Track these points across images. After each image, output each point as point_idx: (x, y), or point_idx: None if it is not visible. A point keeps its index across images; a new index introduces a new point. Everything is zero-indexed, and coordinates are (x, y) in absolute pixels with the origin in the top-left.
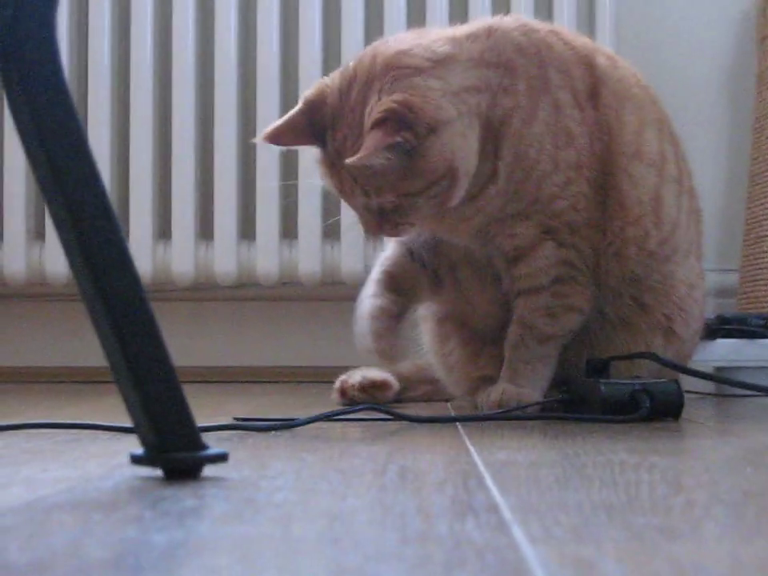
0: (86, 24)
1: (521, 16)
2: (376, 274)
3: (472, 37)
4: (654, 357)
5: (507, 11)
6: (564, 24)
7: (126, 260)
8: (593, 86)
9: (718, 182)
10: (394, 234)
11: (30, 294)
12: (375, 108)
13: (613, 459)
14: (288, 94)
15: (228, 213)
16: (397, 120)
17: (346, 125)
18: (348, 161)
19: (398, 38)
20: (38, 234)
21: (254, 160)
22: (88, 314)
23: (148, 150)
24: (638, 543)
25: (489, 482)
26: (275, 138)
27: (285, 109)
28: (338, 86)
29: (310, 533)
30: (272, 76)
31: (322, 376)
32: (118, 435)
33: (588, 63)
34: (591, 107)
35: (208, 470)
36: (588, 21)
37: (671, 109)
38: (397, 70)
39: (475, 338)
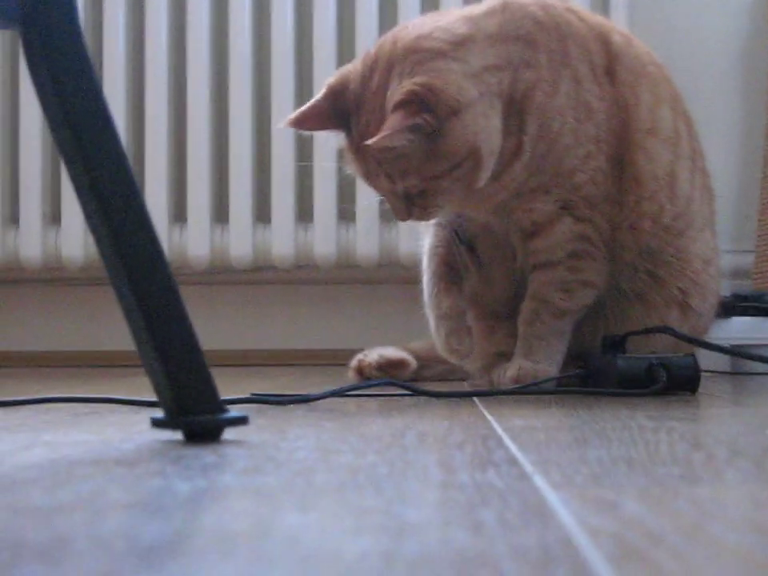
0: (101, 6)
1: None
2: (433, 264)
3: (489, 13)
4: (670, 331)
5: None
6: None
7: (146, 226)
8: (609, 62)
9: (732, 163)
10: (423, 218)
11: (46, 279)
12: (397, 91)
13: (631, 424)
14: (302, 77)
15: (243, 196)
16: (418, 102)
17: (368, 110)
18: (368, 141)
19: (417, 23)
20: (54, 219)
21: (269, 143)
22: (109, 279)
23: (163, 133)
24: (659, 488)
25: (508, 442)
26: (299, 123)
27: (299, 93)
28: (361, 72)
29: (332, 482)
30: (287, 60)
31: (338, 358)
32: (137, 409)
33: (604, 40)
34: (608, 83)
35: (228, 434)
36: (602, 3)
37: (685, 91)
38: (417, 53)
39: (490, 313)
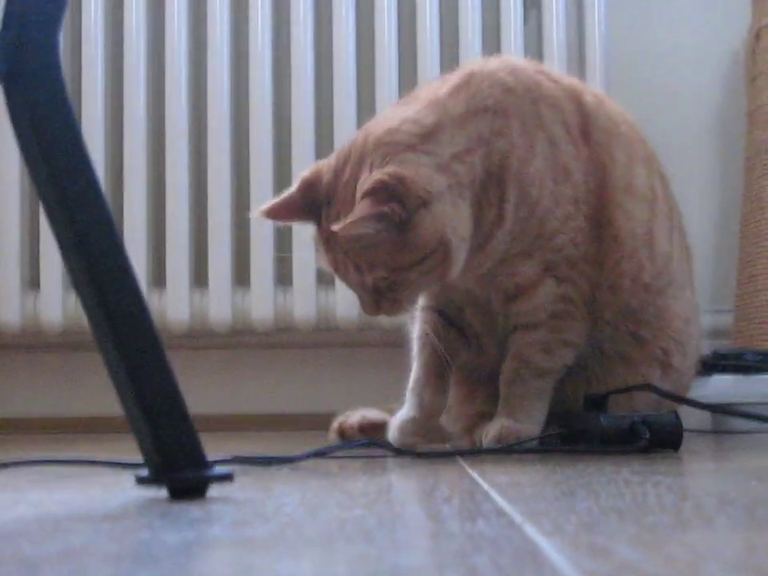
0: (79, 74)
1: (507, 57)
2: (425, 354)
3: (455, 90)
4: (651, 388)
5: (498, 52)
6: (555, 63)
7: (131, 282)
8: (582, 122)
9: (710, 221)
10: (392, 312)
11: (24, 344)
12: (366, 180)
13: (617, 478)
14: (280, 143)
15: (222, 260)
16: (387, 191)
17: (339, 201)
18: (335, 227)
19: (388, 114)
20: (33, 283)
21: (248, 206)
22: (92, 333)
23: (142, 196)
24: (650, 534)
25: (495, 495)
26: (272, 213)
27: (277, 160)
28: (334, 165)
29: (322, 533)
30: (265, 124)
31: (319, 422)
32: (120, 471)
33: (577, 101)
34: (583, 143)
35: (213, 491)
36: (579, 59)
37: (662, 147)
38: (387, 146)
39: (471, 376)
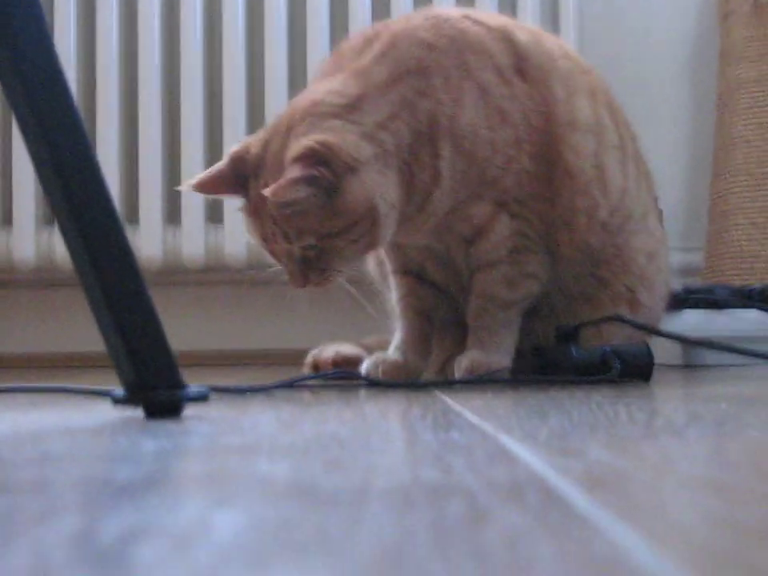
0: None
1: (431, 8)
2: (409, 316)
3: (378, 58)
4: (621, 319)
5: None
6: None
7: (106, 202)
8: (516, 61)
9: (682, 158)
10: (321, 282)
11: (39, 280)
12: (294, 147)
13: (588, 401)
14: (254, 91)
15: (195, 197)
16: (315, 156)
17: (267, 172)
18: (266, 191)
19: (312, 88)
20: (5, 220)
21: (221, 145)
22: (70, 256)
23: (114, 135)
24: (621, 441)
25: (468, 414)
26: (202, 186)
27: (250, 101)
28: (262, 138)
29: (297, 443)
30: (238, 73)
31: (292, 358)
32: (96, 397)
33: (507, 39)
34: (521, 82)
35: (188, 411)
36: (552, 7)
37: (634, 88)
38: (312, 116)
39: (441, 324)
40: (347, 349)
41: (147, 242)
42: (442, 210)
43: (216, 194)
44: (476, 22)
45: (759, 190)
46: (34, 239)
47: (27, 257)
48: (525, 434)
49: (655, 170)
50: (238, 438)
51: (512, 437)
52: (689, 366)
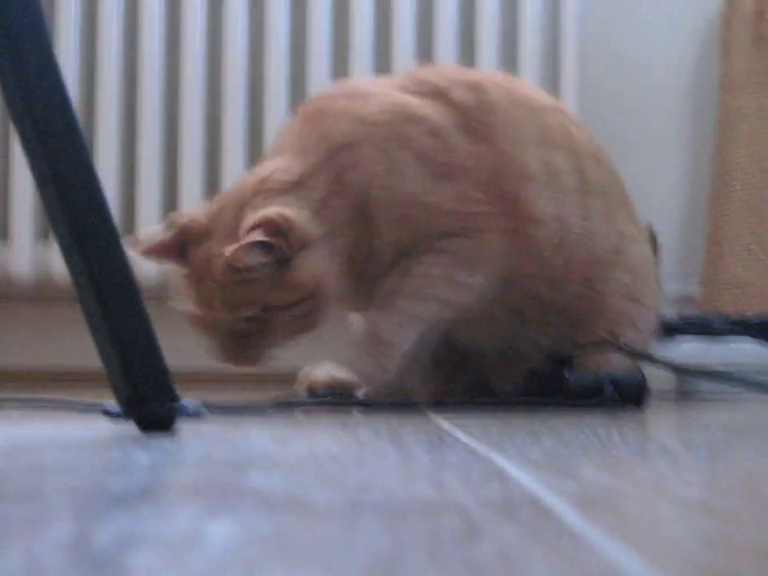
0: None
1: (354, 82)
2: None
3: (313, 137)
4: (616, 345)
5: (472, 60)
6: (528, 34)
7: (104, 212)
8: (458, 119)
9: (679, 189)
10: (254, 361)
11: (36, 295)
12: (251, 218)
13: (582, 425)
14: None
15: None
16: (273, 226)
17: (216, 242)
18: (227, 250)
19: (259, 168)
20: (2, 234)
21: (220, 162)
22: (67, 269)
23: (113, 156)
24: (615, 464)
25: (460, 435)
26: (147, 253)
27: (250, 122)
28: (207, 210)
29: (290, 457)
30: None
31: (283, 378)
32: (89, 412)
33: (444, 101)
34: (465, 140)
35: (182, 426)
36: (552, 27)
37: (634, 117)
38: (264, 192)
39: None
40: (341, 374)
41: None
42: (381, 278)
43: (160, 260)
44: (408, 88)
45: (756, 220)
46: (31, 253)
47: (24, 271)
48: (518, 455)
49: (653, 198)
50: (231, 453)
51: (505, 457)
52: (682, 394)
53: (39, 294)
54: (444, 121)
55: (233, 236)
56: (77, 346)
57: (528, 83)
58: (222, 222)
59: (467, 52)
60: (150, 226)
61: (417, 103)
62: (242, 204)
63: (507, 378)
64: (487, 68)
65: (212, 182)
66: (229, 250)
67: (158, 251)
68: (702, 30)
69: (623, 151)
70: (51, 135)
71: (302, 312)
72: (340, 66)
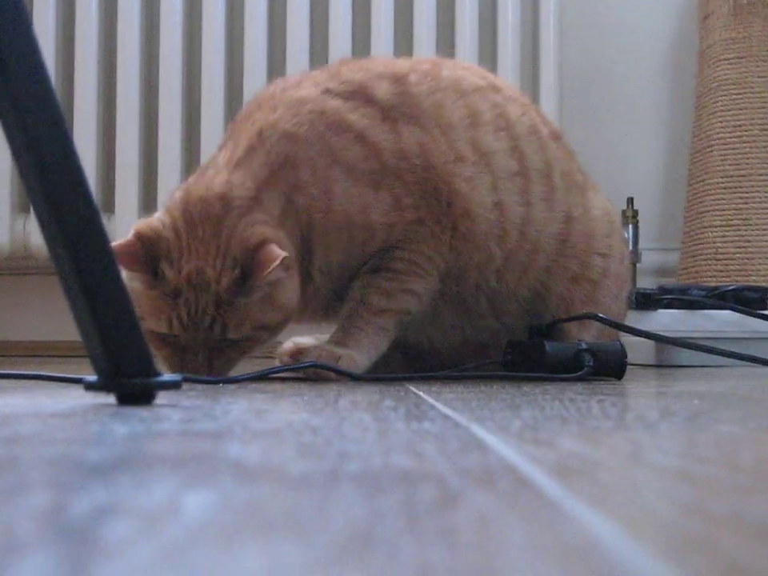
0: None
1: (290, 95)
2: None
3: (251, 152)
4: (596, 317)
5: (452, 28)
6: (509, 5)
7: (83, 187)
8: (384, 113)
9: (658, 160)
10: (223, 371)
11: (14, 268)
12: (246, 237)
13: (561, 396)
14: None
15: (173, 186)
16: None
17: (197, 258)
18: (264, 272)
19: (205, 179)
20: (23, 206)
21: (199, 136)
22: (46, 244)
23: (92, 122)
24: (594, 433)
25: (440, 406)
26: (122, 260)
27: (228, 90)
28: (170, 224)
29: (268, 428)
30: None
31: (264, 351)
32: (67, 385)
33: (367, 98)
34: (390, 132)
35: (160, 399)
36: (533, 3)
37: (613, 87)
38: (236, 209)
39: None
40: (305, 340)
41: (123, 230)
42: (322, 294)
43: (125, 267)
44: (334, 92)
45: (735, 192)
46: (9, 226)
47: (2, 243)
48: (497, 425)
49: (632, 171)
50: (209, 424)
51: (484, 427)
52: (662, 366)
53: (17, 267)
54: (369, 122)
55: (221, 254)
56: (55, 319)
57: (467, 61)
58: (198, 238)
59: (446, 34)
60: (128, 202)
61: (339, 107)
62: (217, 220)
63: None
64: (463, 44)
65: (189, 160)
66: (268, 269)
67: (121, 257)
68: (681, 1)
69: (602, 124)
70: (28, 105)
71: (271, 332)
72: (319, 56)
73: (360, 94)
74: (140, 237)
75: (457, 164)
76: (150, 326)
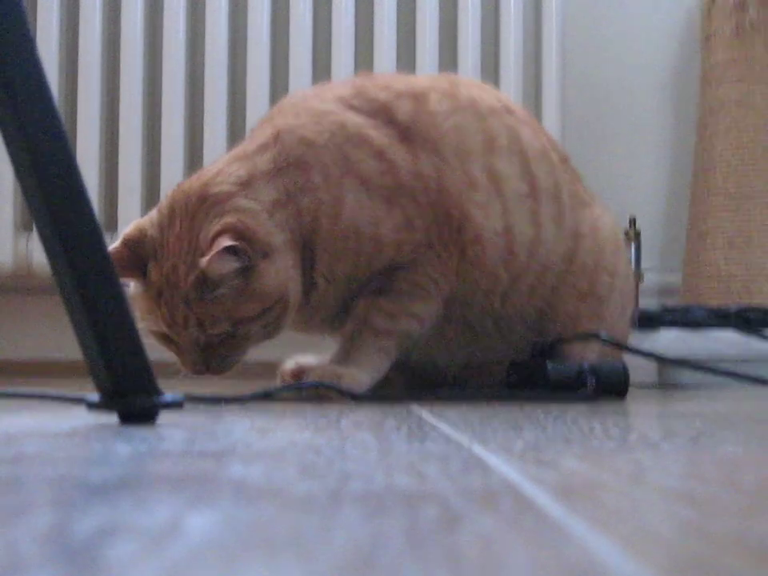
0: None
1: (312, 104)
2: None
3: (262, 148)
4: (598, 337)
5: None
6: (511, 22)
7: (85, 206)
8: (402, 134)
9: (661, 180)
10: (221, 370)
11: (16, 286)
12: (212, 228)
13: (564, 416)
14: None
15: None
16: (236, 232)
17: (173, 255)
18: (203, 261)
19: (199, 174)
20: (26, 224)
21: (202, 156)
22: (48, 261)
23: (95, 136)
24: (596, 454)
25: (443, 426)
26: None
27: (231, 109)
28: (157, 222)
29: (271, 448)
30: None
31: (266, 370)
32: (70, 404)
33: (389, 119)
34: (407, 153)
35: (163, 418)
36: (534, 24)
37: (615, 108)
38: (213, 196)
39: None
40: (308, 360)
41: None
42: (327, 304)
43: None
44: (358, 108)
45: (738, 212)
46: (12, 244)
47: (4, 262)
48: (499, 446)
49: (635, 190)
50: (212, 444)
51: (486, 448)
52: (664, 385)
53: (19, 285)
54: (388, 142)
55: (193, 250)
56: (57, 337)
57: (478, 82)
58: (175, 233)
59: (449, 51)
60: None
61: (362, 123)
62: (192, 213)
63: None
64: (466, 61)
65: (194, 172)
66: (203, 261)
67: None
68: (683, 21)
69: (605, 144)
70: (31, 124)
71: (269, 319)
72: (322, 66)
73: (382, 114)
74: (126, 242)
75: (470, 190)
76: (148, 326)
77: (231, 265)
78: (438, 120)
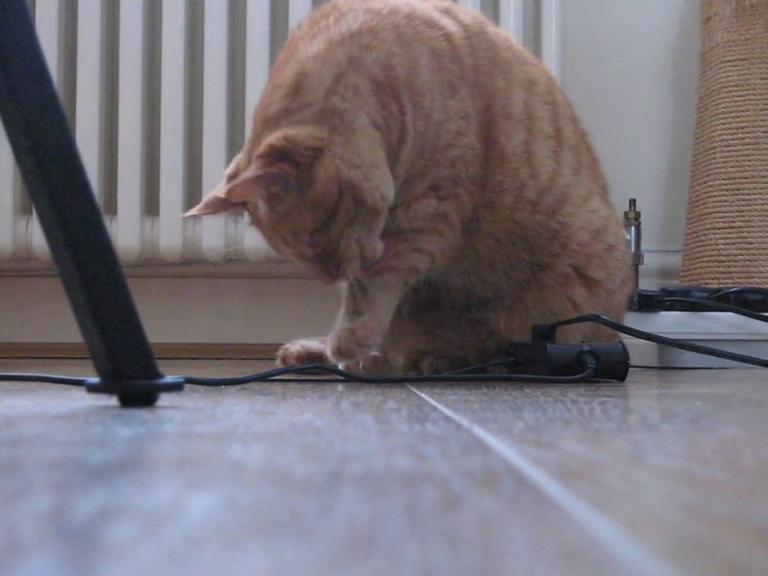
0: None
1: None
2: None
3: (316, 33)
4: (597, 318)
5: None
6: (511, 3)
7: (85, 190)
8: (467, 34)
9: (661, 162)
10: (344, 275)
11: (16, 270)
12: (258, 149)
13: (564, 398)
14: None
15: (174, 189)
16: (276, 153)
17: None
18: (222, 192)
19: (265, 92)
20: (25, 208)
21: (201, 138)
22: (48, 246)
23: (94, 126)
24: (596, 436)
25: (442, 408)
26: (207, 208)
27: (230, 89)
28: (247, 147)
29: (271, 430)
30: (219, 60)
31: (264, 353)
32: (70, 386)
33: (455, 18)
34: (471, 52)
35: (163, 401)
36: (534, 3)
37: (615, 89)
38: (270, 119)
39: (411, 309)
40: (313, 344)
41: (125, 232)
42: (402, 176)
43: (222, 212)
44: (427, 6)
45: (738, 194)
46: (12, 228)
47: (4, 245)
48: (499, 427)
49: (635, 172)
50: (212, 426)
51: (486, 429)
52: (664, 367)
53: (19, 268)
54: (457, 31)
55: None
56: (58, 320)
57: None
58: (245, 158)
59: None
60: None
61: (434, 14)
62: (258, 137)
63: (480, 346)
64: None
65: (191, 162)
66: (224, 190)
67: (216, 205)
68: (683, 3)
69: (605, 125)
70: (31, 108)
71: (347, 216)
72: None
73: (449, 13)
74: (228, 179)
75: (504, 120)
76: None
77: (257, 192)
78: (494, 43)
